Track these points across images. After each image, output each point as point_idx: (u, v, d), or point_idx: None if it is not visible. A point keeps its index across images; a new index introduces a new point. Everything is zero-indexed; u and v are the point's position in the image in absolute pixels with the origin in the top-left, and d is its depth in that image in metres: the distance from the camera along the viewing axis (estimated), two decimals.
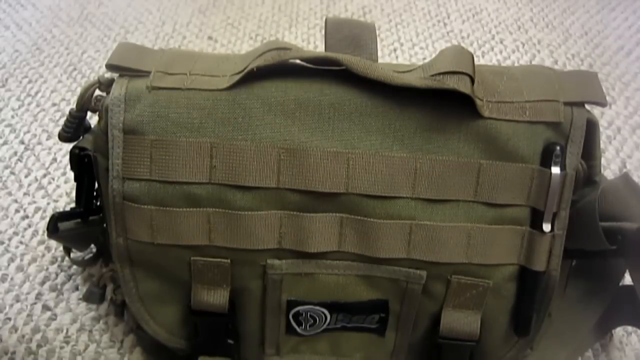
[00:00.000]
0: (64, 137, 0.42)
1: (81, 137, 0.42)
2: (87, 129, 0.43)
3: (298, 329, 0.42)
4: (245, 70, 0.37)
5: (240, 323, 0.42)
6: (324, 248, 0.38)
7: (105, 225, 0.45)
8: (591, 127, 0.37)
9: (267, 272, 0.39)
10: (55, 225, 0.44)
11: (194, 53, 0.41)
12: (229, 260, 0.39)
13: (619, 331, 0.50)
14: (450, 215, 0.37)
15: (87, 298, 0.48)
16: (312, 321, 0.41)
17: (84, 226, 0.45)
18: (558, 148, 0.37)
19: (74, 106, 0.41)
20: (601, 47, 0.85)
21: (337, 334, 0.42)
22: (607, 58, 0.83)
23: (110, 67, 0.39)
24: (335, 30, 0.39)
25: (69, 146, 0.42)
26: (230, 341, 0.42)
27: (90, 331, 0.50)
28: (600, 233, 0.38)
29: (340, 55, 0.36)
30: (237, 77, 0.37)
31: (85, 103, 0.40)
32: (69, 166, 0.44)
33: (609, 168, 0.66)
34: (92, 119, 0.41)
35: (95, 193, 0.44)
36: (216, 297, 0.40)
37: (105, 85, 0.39)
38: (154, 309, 0.42)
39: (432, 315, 0.41)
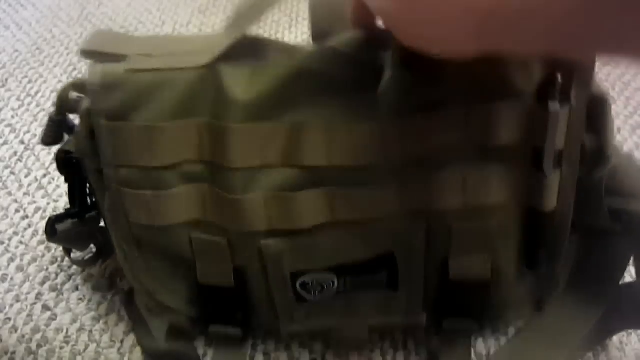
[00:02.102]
0: (46, 141, 0.42)
1: (66, 137, 0.42)
2: (71, 128, 0.42)
3: (308, 297, 0.41)
4: (226, 46, 0.36)
5: (250, 296, 0.42)
6: (316, 221, 0.38)
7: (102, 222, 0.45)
8: (600, 101, 0.36)
9: (263, 251, 0.39)
10: (54, 228, 0.44)
11: (172, 36, 0.41)
12: (226, 239, 0.39)
13: None
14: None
15: (97, 288, 0.50)
16: (320, 288, 0.41)
17: (81, 224, 0.45)
18: (557, 81, 0.34)
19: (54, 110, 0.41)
20: None
21: (349, 295, 0.42)
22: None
23: (85, 53, 0.38)
24: (319, 5, 0.38)
25: None
26: (239, 313, 0.43)
27: (90, 331, 0.50)
28: (604, 208, 0.38)
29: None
30: (218, 53, 0.36)
31: (63, 106, 0.40)
32: None
33: None
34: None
35: (88, 191, 0.44)
36: (220, 274, 0.40)
37: (79, 86, 0.38)
38: (165, 284, 0.43)
39: (440, 264, 0.40)
